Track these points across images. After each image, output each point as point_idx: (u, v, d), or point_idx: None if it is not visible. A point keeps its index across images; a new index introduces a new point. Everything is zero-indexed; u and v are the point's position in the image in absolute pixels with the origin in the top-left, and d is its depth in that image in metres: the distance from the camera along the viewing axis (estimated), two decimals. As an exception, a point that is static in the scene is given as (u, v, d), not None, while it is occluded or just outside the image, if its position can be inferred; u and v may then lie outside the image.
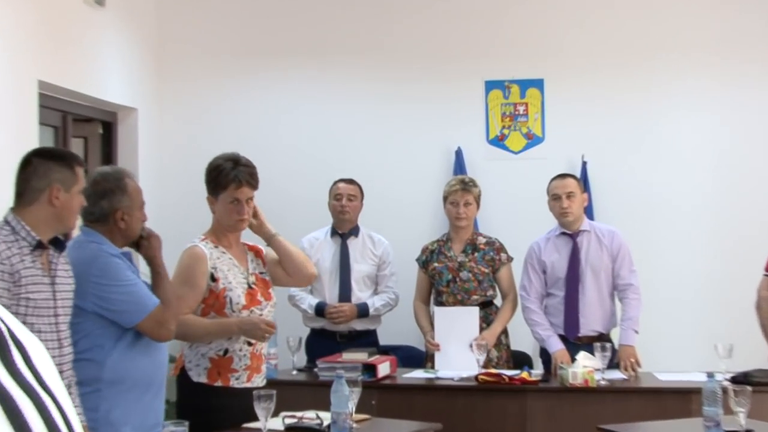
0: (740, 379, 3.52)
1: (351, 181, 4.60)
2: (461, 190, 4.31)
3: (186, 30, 5.39)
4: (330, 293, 4.52)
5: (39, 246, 2.50)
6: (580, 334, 4.13)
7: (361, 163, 5.09)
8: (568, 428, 3.70)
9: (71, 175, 2.56)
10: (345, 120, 5.27)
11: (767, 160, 5.01)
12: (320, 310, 4.48)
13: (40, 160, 2.56)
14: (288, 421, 2.99)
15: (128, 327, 2.71)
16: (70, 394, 1.75)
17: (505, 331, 4.31)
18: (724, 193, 4.98)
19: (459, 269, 4.30)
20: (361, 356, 3.91)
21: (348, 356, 3.93)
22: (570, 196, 4.14)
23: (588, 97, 5.10)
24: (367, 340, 4.46)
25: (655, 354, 4.42)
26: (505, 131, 5.20)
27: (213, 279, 3.09)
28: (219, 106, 5.35)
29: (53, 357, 0.82)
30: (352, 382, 2.93)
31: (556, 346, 4.07)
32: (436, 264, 4.35)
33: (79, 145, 4.77)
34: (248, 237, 3.37)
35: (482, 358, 3.90)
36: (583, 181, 4.69)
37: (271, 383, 3.25)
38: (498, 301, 4.38)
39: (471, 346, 3.99)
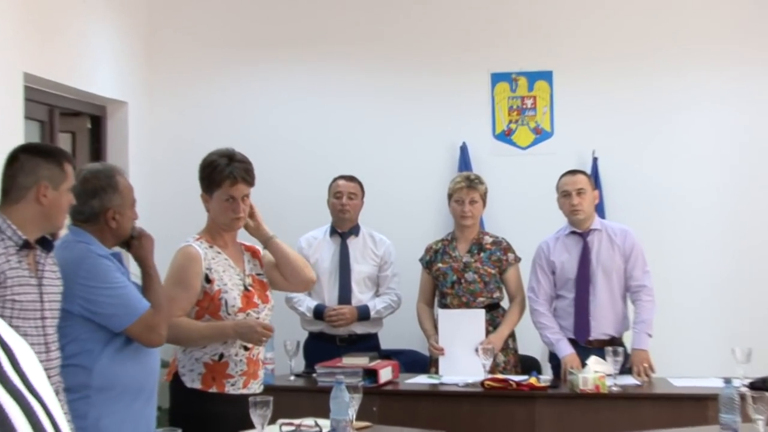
0: (759, 385, 3.51)
1: (351, 178, 4.60)
2: (466, 188, 4.31)
3: (178, 20, 5.39)
4: (329, 295, 4.52)
5: (26, 246, 2.50)
6: (590, 338, 4.13)
7: (362, 159, 5.09)
8: (579, 436, 3.71)
9: (60, 172, 2.56)
10: (345, 114, 5.27)
11: (787, 156, 5.01)
12: (319, 312, 4.48)
13: (28, 156, 2.56)
14: (285, 429, 2.99)
15: (117, 331, 2.70)
16: (58, 401, 1.75)
17: (512, 335, 4.31)
18: (742, 189, 4.98)
19: (464, 270, 4.30)
20: (361, 361, 3.91)
21: (348, 361, 3.93)
22: (580, 193, 4.14)
23: (599, 89, 5.10)
24: (368, 344, 4.46)
25: (670, 359, 4.42)
26: (512, 126, 5.20)
27: (208, 280, 3.08)
28: (213, 99, 5.35)
29: (40, 362, 0.82)
30: (352, 388, 2.93)
31: (566, 351, 4.07)
32: (440, 264, 4.35)
33: (67, 141, 4.77)
34: (245, 238, 3.37)
35: (488, 362, 3.90)
36: (594, 178, 4.69)
37: (268, 389, 3.25)
38: (505, 304, 4.39)
39: (477, 350, 3.99)
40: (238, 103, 5.33)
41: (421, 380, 4.09)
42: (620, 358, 3.77)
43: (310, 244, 4.61)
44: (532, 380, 3.81)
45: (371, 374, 3.83)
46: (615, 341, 4.09)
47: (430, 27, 5.23)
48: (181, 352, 3.13)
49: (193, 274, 3.07)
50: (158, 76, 5.32)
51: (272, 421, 2.89)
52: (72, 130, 4.85)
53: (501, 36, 5.20)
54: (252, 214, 3.24)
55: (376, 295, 4.58)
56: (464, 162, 5.09)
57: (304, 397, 3.78)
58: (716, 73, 5.03)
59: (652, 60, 5.06)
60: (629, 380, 3.89)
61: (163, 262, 3.04)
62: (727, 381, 3.00)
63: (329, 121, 5.27)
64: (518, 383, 3.79)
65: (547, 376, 4.11)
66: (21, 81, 3.92)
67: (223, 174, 3.12)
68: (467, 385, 3.87)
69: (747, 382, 3.61)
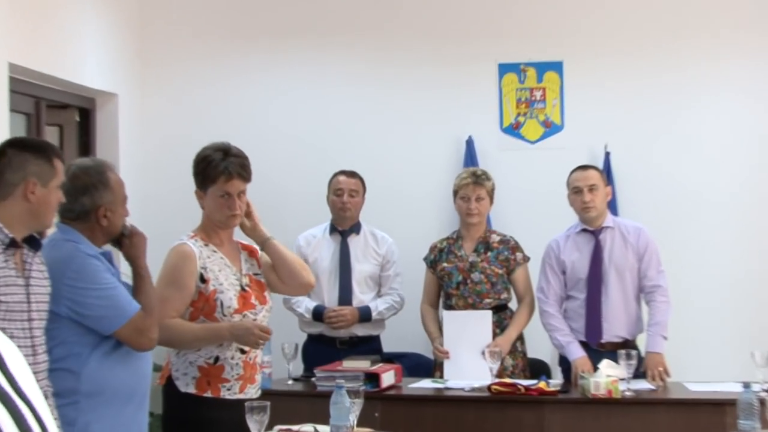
0: (779, 390, 3.52)
1: (352, 174, 4.60)
2: (473, 184, 4.31)
3: (171, 8, 5.39)
4: (329, 295, 4.53)
5: (12, 244, 2.50)
6: (603, 341, 4.14)
7: (363, 154, 5.10)
8: (590, 443, 3.71)
9: (49, 169, 2.56)
10: (345, 106, 5.27)
11: (809, 150, 5.00)
12: (318, 314, 4.48)
13: (15, 151, 2.56)
14: (283, 435, 3.00)
15: (106, 334, 2.71)
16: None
17: (520, 337, 4.31)
18: (761, 185, 4.98)
19: (470, 270, 4.30)
20: (363, 364, 3.91)
21: (349, 364, 3.93)
22: (592, 190, 4.14)
23: (611, 81, 5.09)
24: (369, 346, 4.47)
25: (686, 362, 4.42)
26: (521, 119, 5.19)
27: (202, 280, 3.09)
28: (207, 91, 5.35)
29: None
30: (353, 393, 2.93)
31: (577, 354, 4.07)
32: (445, 264, 4.36)
33: (54, 134, 4.77)
34: (242, 237, 3.37)
35: (496, 366, 3.91)
36: (606, 173, 4.69)
37: (265, 394, 3.25)
38: (513, 305, 4.39)
39: (483, 353, 4.00)
40: (233, 95, 5.33)
41: (425, 385, 4.09)
42: (634, 362, 3.78)
43: (309, 242, 4.62)
44: (542, 385, 3.81)
45: (373, 378, 3.83)
46: (628, 344, 4.10)
47: (434, 15, 5.23)
48: (175, 355, 3.13)
49: (187, 273, 3.07)
50: (150, 66, 5.32)
51: (269, 427, 2.89)
52: (59, 123, 4.85)
53: (509, 25, 5.20)
54: (249, 214, 3.25)
55: (378, 295, 4.59)
56: (470, 157, 5.08)
57: (303, 403, 3.78)
58: (734, 63, 5.02)
59: (668, 50, 5.05)
60: (643, 385, 3.89)
61: (155, 262, 3.04)
62: (746, 385, 3.00)
63: (329, 114, 5.27)
64: (527, 388, 3.79)
65: (557, 380, 4.11)
66: (6, 72, 3.92)
67: (218, 169, 3.12)
68: (473, 389, 3.87)
69: (767, 386, 3.61)
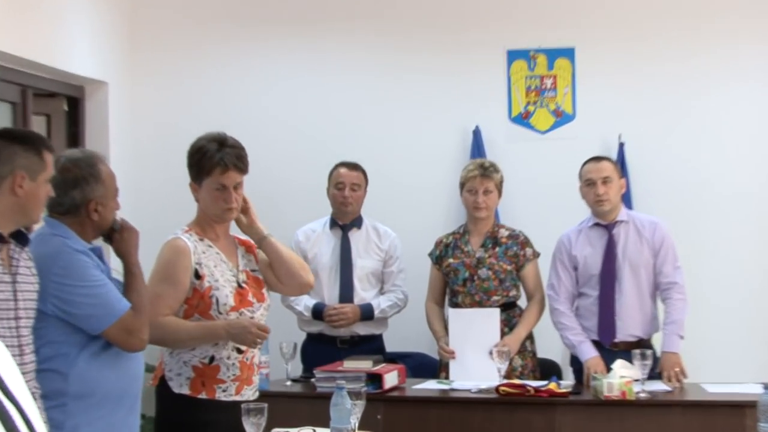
0: (801, 391, 3.52)
1: (354, 166, 4.60)
2: (480, 176, 4.31)
3: (163, -8, 5.39)
4: (329, 293, 4.53)
5: (-1, 240, 2.51)
6: (616, 340, 4.14)
7: (365, 145, 5.10)
8: (603, 447, 3.71)
9: (38, 161, 2.56)
10: (346, 95, 5.27)
11: (832, 140, 5.00)
12: (318, 312, 4.49)
13: (3, 142, 2.56)
14: (282, 438, 3.01)
15: (94, 334, 2.71)
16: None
17: (530, 337, 4.32)
18: (782, 178, 4.98)
19: (477, 266, 4.30)
20: (364, 365, 3.92)
21: (350, 365, 3.94)
22: (606, 182, 4.14)
23: (626, 67, 5.09)
24: (371, 346, 4.47)
25: (703, 362, 4.43)
26: (530, 108, 5.19)
27: (197, 276, 3.09)
28: (201, 79, 5.35)
29: (13, 366, 0.83)
30: (354, 395, 2.94)
31: (589, 354, 4.08)
32: (451, 260, 4.36)
33: (41, 124, 4.78)
34: (238, 232, 3.37)
35: (504, 367, 3.91)
36: (620, 165, 4.68)
37: (263, 395, 3.26)
38: (522, 303, 4.39)
39: (491, 353, 4.00)
40: (228, 84, 5.33)
41: (430, 386, 4.10)
42: (649, 362, 3.78)
43: (308, 237, 4.62)
44: (552, 386, 3.82)
45: (375, 379, 3.84)
46: (643, 343, 4.10)
47: (440, 0, 5.22)
48: (168, 354, 3.14)
49: (182, 269, 3.07)
50: (142, 53, 5.31)
51: (267, 431, 2.90)
52: (47, 113, 4.85)
53: (518, 9, 5.19)
54: (245, 210, 3.25)
55: (381, 293, 4.59)
56: (477, 148, 5.08)
57: (302, 405, 3.79)
58: (755, 49, 5.02)
59: (685, 35, 5.05)
60: (658, 386, 3.90)
61: (148, 257, 3.05)
62: (767, 387, 3.00)
63: (329, 102, 5.27)
64: (536, 389, 3.80)
65: (568, 381, 4.12)
66: (-9, 59, 3.92)
67: (214, 160, 3.12)
68: (480, 391, 3.88)
69: (788, 388, 3.62)
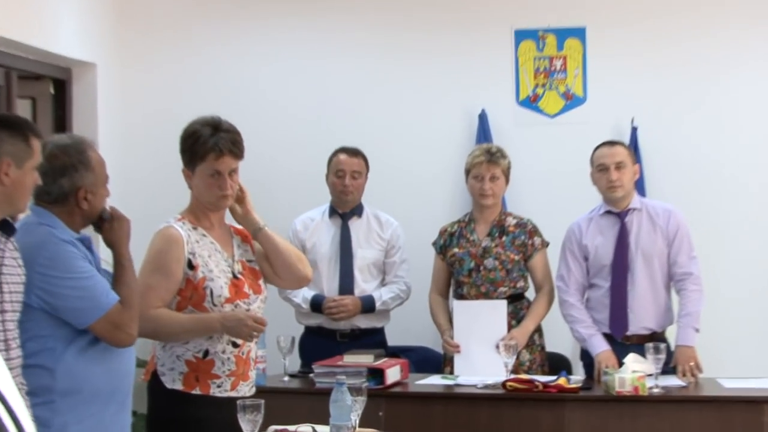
0: (821, 387, 3.53)
1: (355, 152, 4.60)
2: (486, 162, 4.31)
3: (154, -31, 5.38)
4: (329, 284, 4.54)
5: (-17, 230, 2.50)
6: (628, 333, 4.15)
7: (366, 129, 5.09)
8: (615, 445, 3.72)
9: (25, 148, 2.55)
10: (346, 77, 5.26)
11: None
12: (317, 304, 4.49)
13: None
14: (279, 436, 3.01)
15: (81, 328, 2.71)
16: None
17: (538, 330, 4.32)
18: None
19: (483, 256, 4.30)
20: (365, 359, 3.93)
21: (350, 359, 3.95)
22: (620, 167, 4.13)
23: (639, 48, 5.08)
24: (372, 339, 4.48)
25: (719, 356, 4.43)
26: (539, 90, 5.19)
27: (191, 266, 3.09)
28: (194, 60, 5.35)
29: (-1, 361, 0.82)
30: (355, 390, 2.94)
31: (600, 347, 4.08)
32: (456, 249, 4.36)
33: (26, 107, 4.78)
34: (234, 222, 3.37)
35: (511, 361, 3.92)
36: (633, 150, 4.67)
37: (260, 391, 3.26)
38: (530, 294, 4.39)
39: (497, 347, 4.01)
40: (223, 65, 5.32)
41: (434, 381, 4.11)
42: (662, 356, 3.78)
43: (307, 226, 4.62)
44: (561, 381, 3.83)
45: (377, 374, 3.85)
46: (656, 337, 4.11)
47: (444, -24, 5.22)
48: (161, 348, 3.14)
49: (174, 259, 3.07)
50: (131, 33, 5.30)
51: (264, 428, 2.91)
52: (32, 96, 4.85)
53: (526, -14, 5.18)
54: (241, 199, 3.24)
55: (383, 284, 4.59)
56: (483, 132, 5.08)
57: (300, 401, 3.80)
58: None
59: (701, 14, 5.04)
60: (673, 381, 3.91)
61: (139, 247, 3.04)
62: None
63: (328, 85, 5.26)
64: (545, 385, 3.80)
65: (578, 376, 4.13)
66: (-26, 39, 3.92)
67: (207, 145, 3.12)
68: (486, 386, 3.88)
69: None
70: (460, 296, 4.34)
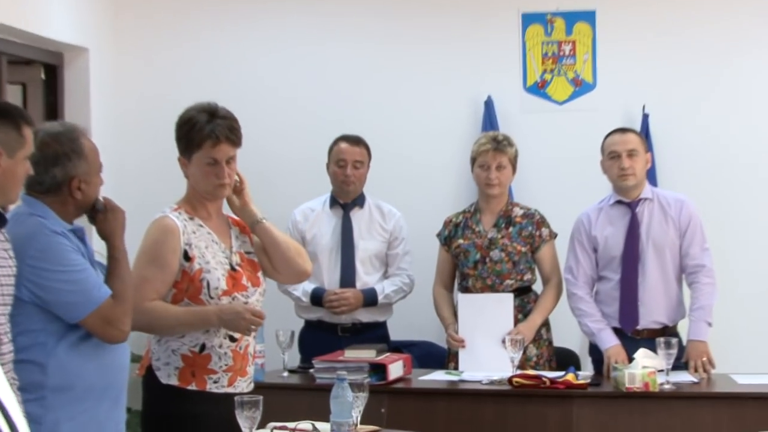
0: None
1: (356, 141, 4.60)
2: (493, 150, 4.31)
3: (149, -50, 5.37)
4: (329, 277, 4.54)
5: (-27, 221, 2.50)
6: (639, 327, 4.15)
7: (368, 117, 5.09)
8: (624, 443, 3.72)
9: (17, 137, 2.55)
10: (348, 63, 5.26)
11: None
12: (317, 297, 4.50)
13: None
14: (278, 433, 3.02)
15: (72, 323, 2.71)
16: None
17: (546, 324, 4.33)
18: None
19: (489, 247, 4.30)
20: (367, 354, 3.93)
21: (351, 354, 3.95)
22: (632, 155, 4.13)
23: (650, 33, 5.07)
24: (374, 334, 4.48)
25: (732, 352, 4.44)
26: (547, 76, 5.18)
27: (187, 258, 3.09)
28: (190, 45, 5.34)
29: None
30: (356, 386, 2.94)
31: (610, 342, 4.09)
32: (461, 241, 4.36)
33: (17, 94, 4.78)
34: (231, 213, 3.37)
35: (517, 356, 3.92)
36: (644, 138, 4.67)
37: (258, 387, 3.27)
38: (537, 287, 4.39)
39: (504, 341, 4.00)
40: (220, 50, 5.32)
41: (438, 377, 4.11)
42: (674, 351, 3.78)
43: (307, 217, 4.62)
44: (569, 377, 3.83)
45: (379, 370, 3.85)
46: (668, 331, 4.11)
47: (448, -42, 5.21)
48: (156, 342, 3.15)
49: (170, 250, 3.07)
50: (125, 17, 5.30)
51: (262, 425, 2.91)
52: (23, 81, 4.85)
53: (533, -31, 5.17)
54: (239, 190, 3.24)
55: (385, 276, 4.60)
56: (489, 120, 5.08)
57: (300, 397, 3.80)
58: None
59: (714, -2, 5.03)
60: (684, 377, 3.91)
61: (133, 238, 3.04)
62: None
63: (329, 71, 5.26)
64: (552, 380, 3.81)
65: (586, 372, 4.13)
66: (-37, 23, 3.92)
67: (204, 132, 3.12)
68: (492, 382, 3.89)
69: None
70: (465, 289, 4.35)
